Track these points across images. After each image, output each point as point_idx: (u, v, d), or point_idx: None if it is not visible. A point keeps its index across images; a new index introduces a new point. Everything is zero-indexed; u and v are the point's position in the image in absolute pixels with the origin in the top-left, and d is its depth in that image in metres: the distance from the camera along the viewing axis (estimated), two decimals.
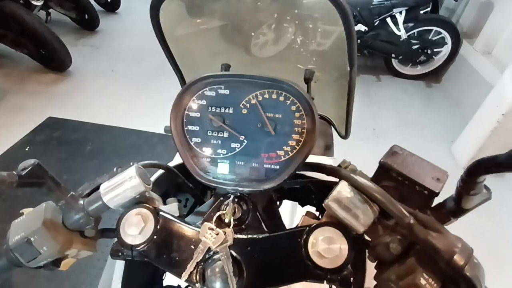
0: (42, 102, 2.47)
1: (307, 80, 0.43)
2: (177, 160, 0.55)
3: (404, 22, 2.53)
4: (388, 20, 2.56)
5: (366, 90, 2.78)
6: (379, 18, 2.60)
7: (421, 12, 2.61)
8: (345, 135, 0.63)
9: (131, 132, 2.18)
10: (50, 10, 3.12)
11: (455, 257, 0.25)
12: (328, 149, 0.82)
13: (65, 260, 0.37)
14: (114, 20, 3.88)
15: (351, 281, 0.30)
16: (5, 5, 2.32)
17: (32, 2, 2.59)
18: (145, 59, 3.00)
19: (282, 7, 0.47)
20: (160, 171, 0.50)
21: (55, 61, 2.62)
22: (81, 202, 0.36)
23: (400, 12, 2.53)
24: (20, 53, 2.65)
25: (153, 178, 0.49)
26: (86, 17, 3.37)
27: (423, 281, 0.26)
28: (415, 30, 2.64)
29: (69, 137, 2.13)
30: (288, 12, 0.43)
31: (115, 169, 0.38)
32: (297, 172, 0.38)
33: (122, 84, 2.68)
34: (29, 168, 0.32)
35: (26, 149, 2.04)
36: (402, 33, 2.53)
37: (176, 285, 0.47)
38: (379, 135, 2.32)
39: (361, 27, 2.61)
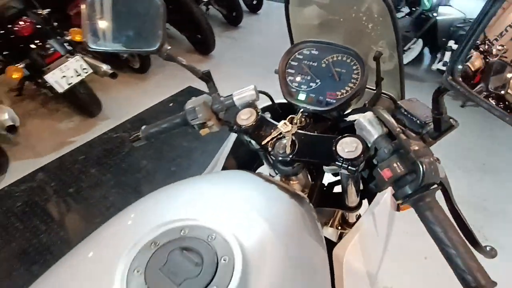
0: (187, 75, 3.13)
1: (376, 59, 0.62)
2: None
3: None
4: None
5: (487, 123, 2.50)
6: None
7: None
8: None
9: None
10: (210, 6, 3.94)
11: (420, 159, 0.41)
12: None
13: (204, 128, 0.67)
14: (254, 19, 4.52)
15: (358, 169, 0.49)
16: None
17: None
18: (269, 54, 3.46)
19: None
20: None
21: (204, 45, 3.33)
22: (222, 99, 0.65)
23: None
24: (181, 36, 3.47)
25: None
26: (234, 14, 4.07)
27: (395, 165, 0.43)
28: None
29: None
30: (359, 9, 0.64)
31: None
32: (346, 115, 0.58)
33: (247, 71, 3.19)
34: (206, 71, 0.63)
35: (170, 105, 2.73)
36: None
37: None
38: (488, 170, 2.10)
39: None
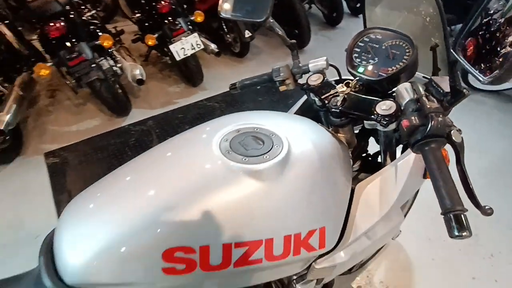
0: (276, 64, 3.50)
1: (432, 49, 0.74)
2: None
3: None
4: None
5: None
6: None
7: None
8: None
9: None
10: (312, 5, 4.15)
11: (431, 114, 0.55)
12: None
13: (283, 85, 0.89)
14: (354, 22, 4.54)
15: (388, 123, 0.64)
16: None
17: None
18: None
19: None
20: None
21: (299, 40, 3.57)
22: (300, 65, 0.86)
23: None
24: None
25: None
26: (334, 15, 4.19)
27: (412, 118, 0.58)
28: None
29: None
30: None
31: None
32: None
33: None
34: (293, 42, 0.86)
35: (258, 87, 3.07)
36: None
37: None
38: None
39: None
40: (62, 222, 0.54)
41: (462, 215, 0.49)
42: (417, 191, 1.33)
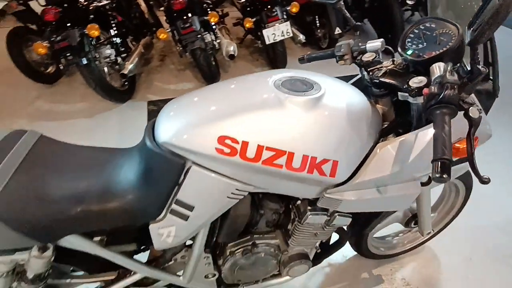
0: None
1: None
2: None
3: None
4: None
5: None
6: None
7: None
8: (494, 92, 0.87)
9: None
10: (416, 12, 3.98)
11: (447, 84, 0.66)
12: None
13: (341, 60, 1.05)
14: None
15: (419, 95, 0.75)
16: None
17: (408, 1, 3.50)
18: None
19: None
20: None
21: (391, 44, 3.49)
22: (360, 44, 1.01)
23: None
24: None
25: None
26: None
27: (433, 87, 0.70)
28: None
29: None
30: None
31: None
32: None
33: None
34: (358, 24, 1.01)
35: None
36: None
37: None
38: None
39: None
40: (164, 109, 0.83)
41: (447, 162, 0.60)
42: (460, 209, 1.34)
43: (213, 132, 0.73)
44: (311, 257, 1.13)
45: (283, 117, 0.75)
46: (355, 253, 1.55)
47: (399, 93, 0.84)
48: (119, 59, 2.53)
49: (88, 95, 2.86)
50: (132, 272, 0.96)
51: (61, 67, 2.31)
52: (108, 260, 0.89)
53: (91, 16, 2.32)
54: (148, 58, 3.42)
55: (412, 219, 1.34)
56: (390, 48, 0.98)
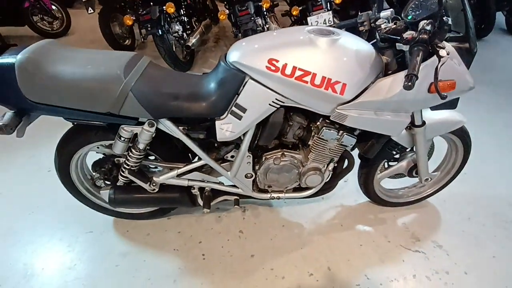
0: None
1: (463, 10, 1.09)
2: None
3: None
4: None
5: None
6: None
7: None
8: (471, 49, 1.14)
9: None
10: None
11: (423, 33, 0.97)
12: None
13: (361, 27, 1.38)
14: (505, 39, 4.16)
15: (404, 42, 1.06)
16: None
17: None
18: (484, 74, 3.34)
19: None
20: None
21: None
22: (376, 13, 1.32)
23: None
24: None
25: None
26: (482, 26, 3.98)
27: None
28: None
29: None
30: None
31: None
32: None
33: None
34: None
35: None
36: None
37: None
38: None
39: None
40: (234, 44, 1.22)
41: (413, 76, 0.92)
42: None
43: (265, 55, 1.11)
44: (325, 179, 1.47)
45: (311, 49, 1.11)
46: (365, 200, 1.85)
47: (397, 44, 1.15)
48: (184, 35, 3.03)
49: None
50: (197, 160, 1.37)
51: (138, 39, 2.83)
52: (180, 150, 1.31)
53: None
54: (205, 39, 3.91)
55: (413, 169, 1.61)
56: (397, 16, 1.29)
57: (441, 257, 1.58)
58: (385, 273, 1.50)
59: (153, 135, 1.24)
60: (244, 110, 1.18)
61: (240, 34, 3.09)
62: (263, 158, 1.37)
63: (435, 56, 1.03)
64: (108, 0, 3.65)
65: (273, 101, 1.16)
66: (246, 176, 1.40)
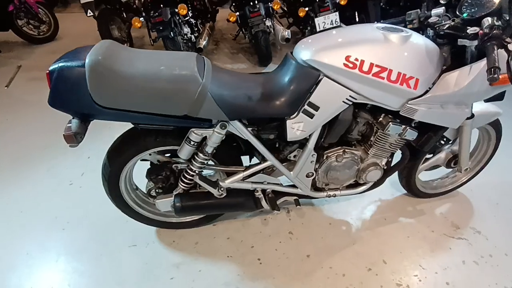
0: None
1: None
2: None
3: None
4: None
5: None
6: None
7: None
8: None
9: None
10: None
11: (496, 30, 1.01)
12: None
13: (410, 24, 1.41)
14: None
15: (475, 39, 1.10)
16: None
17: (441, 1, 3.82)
18: None
19: None
20: None
21: None
22: (424, 10, 1.36)
23: None
24: None
25: None
26: None
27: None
28: None
29: None
30: None
31: None
32: None
33: None
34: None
35: None
36: None
37: None
38: None
39: None
40: (300, 42, 1.19)
41: (496, 69, 0.95)
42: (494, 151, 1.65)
43: (341, 52, 1.10)
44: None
45: (386, 46, 1.11)
46: (402, 193, 1.89)
47: (459, 40, 1.18)
48: (192, 37, 2.95)
49: None
50: (261, 161, 1.33)
51: (152, 39, 2.73)
52: (235, 153, 1.27)
53: None
54: None
55: (452, 160, 1.67)
56: (447, 14, 1.33)
57: (482, 242, 1.64)
58: (437, 262, 1.54)
59: (223, 138, 1.19)
60: (317, 108, 1.16)
61: (247, 37, 3.06)
62: (324, 156, 1.36)
63: (502, 50, 1.06)
64: (108, 1, 3.47)
65: (346, 99, 1.15)
66: (307, 176, 1.38)
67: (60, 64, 0.97)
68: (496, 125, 1.61)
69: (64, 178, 1.98)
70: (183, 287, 1.40)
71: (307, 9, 3.12)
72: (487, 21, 1.08)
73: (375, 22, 3.50)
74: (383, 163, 1.43)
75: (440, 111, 1.21)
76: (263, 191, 1.41)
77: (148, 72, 1.01)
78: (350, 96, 1.15)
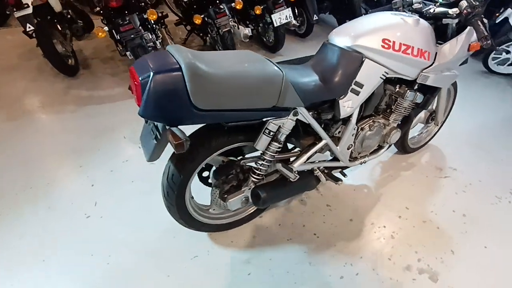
0: None
1: None
2: None
3: None
4: None
5: None
6: None
7: None
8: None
9: None
10: None
11: (477, 8, 1.36)
12: None
13: (397, 11, 1.72)
14: None
15: (457, 17, 1.44)
16: None
17: None
18: None
19: None
20: None
21: None
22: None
23: None
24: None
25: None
26: None
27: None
28: None
29: None
30: None
31: None
32: None
33: None
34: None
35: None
36: None
37: None
38: None
39: None
40: (337, 30, 1.37)
41: (488, 36, 1.30)
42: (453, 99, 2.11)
43: (378, 36, 1.31)
44: None
45: (407, 27, 1.35)
46: (393, 153, 2.25)
47: (443, 19, 1.51)
48: (158, 43, 2.81)
49: (118, 82, 3.04)
50: (317, 141, 1.46)
51: (122, 50, 2.45)
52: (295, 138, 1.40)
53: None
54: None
55: (429, 117, 2.09)
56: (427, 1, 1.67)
57: (460, 176, 2.11)
58: (441, 198, 1.93)
59: (294, 125, 1.28)
60: (361, 86, 1.35)
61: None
62: (359, 128, 1.57)
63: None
64: (38, 14, 2.89)
65: (383, 75, 1.38)
66: (348, 148, 1.57)
67: (152, 73, 0.93)
68: (454, 85, 2.06)
69: (75, 212, 1.74)
70: (264, 278, 1.45)
71: (262, 7, 3.28)
72: (465, 3, 1.42)
73: (314, 16, 3.94)
74: (399, 126, 1.72)
75: (442, 75, 1.53)
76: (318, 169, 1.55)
77: (236, 71, 1.03)
78: (385, 72, 1.37)
